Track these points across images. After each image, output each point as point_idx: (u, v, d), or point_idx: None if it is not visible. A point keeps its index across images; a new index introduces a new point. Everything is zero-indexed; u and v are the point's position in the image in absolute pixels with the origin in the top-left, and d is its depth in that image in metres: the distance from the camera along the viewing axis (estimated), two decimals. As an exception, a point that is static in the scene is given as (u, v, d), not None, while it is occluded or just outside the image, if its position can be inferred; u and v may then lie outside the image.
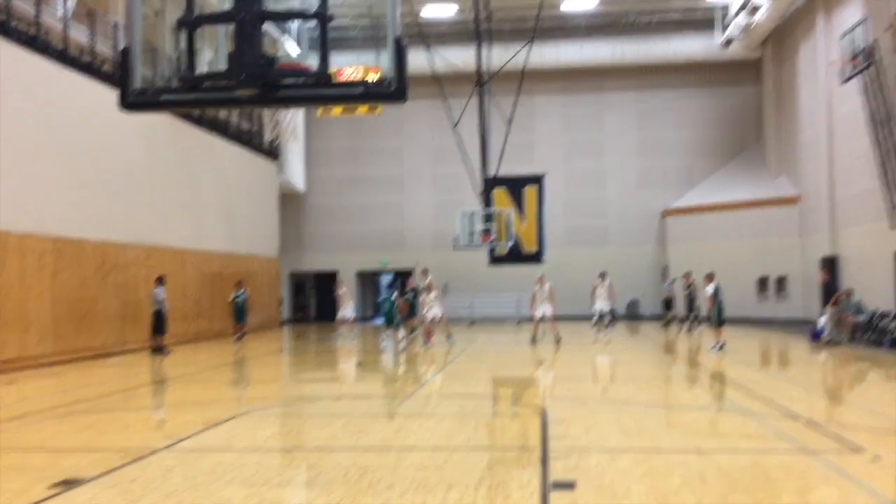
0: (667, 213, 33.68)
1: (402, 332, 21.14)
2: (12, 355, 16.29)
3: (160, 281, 19.98)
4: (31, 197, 17.24)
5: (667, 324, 27.94)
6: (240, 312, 23.30)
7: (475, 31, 24.83)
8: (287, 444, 8.86)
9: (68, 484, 6.52)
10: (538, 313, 21.17)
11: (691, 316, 24.88)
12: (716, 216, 31.49)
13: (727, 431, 9.20)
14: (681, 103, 34.86)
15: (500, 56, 26.22)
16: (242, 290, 23.49)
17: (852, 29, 21.37)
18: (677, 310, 27.60)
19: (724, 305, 18.46)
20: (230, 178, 27.93)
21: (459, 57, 28.55)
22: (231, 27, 5.35)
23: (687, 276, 25.32)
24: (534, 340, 21.06)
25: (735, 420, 9.79)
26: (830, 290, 20.53)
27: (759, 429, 8.85)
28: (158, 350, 19.67)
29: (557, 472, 6.76)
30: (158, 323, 19.73)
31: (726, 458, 7.28)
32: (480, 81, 24.93)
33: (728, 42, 31.03)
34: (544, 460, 7.24)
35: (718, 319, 18.32)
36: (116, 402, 11.94)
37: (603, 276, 24.40)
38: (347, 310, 23.70)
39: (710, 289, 18.65)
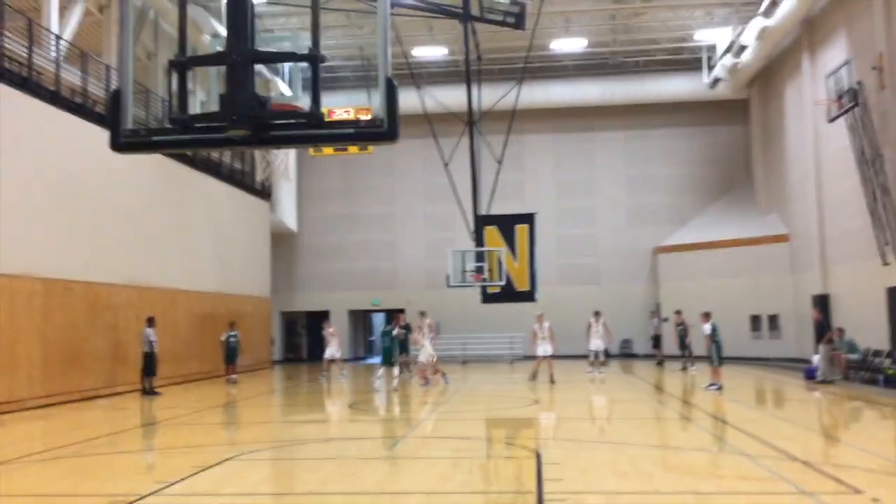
0: (658, 251, 33.76)
1: (395, 371, 20.59)
2: (0, 398, 16.07)
3: (150, 322, 19.86)
4: (22, 237, 17.13)
5: (660, 362, 27.92)
6: (232, 353, 23.18)
7: (465, 71, 25.05)
8: (278, 488, 8.71)
9: (53, 532, 6.38)
10: (540, 352, 21.23)
11: (685, 354, 24.80)
12: (707, 254, 31.55)
13: (724, 473, 9.09)
14: (670, 142, 35.15)
15: (490, 96, 26.45)
16: (235, 332, 23.36)
17: (837, 69, 21.64)
18: (665, 349, 27.71)
19: (721, 344, 18.42)
20: (222, 217, 27.90)
21: (450, 96, 28.76)
22: (223, 68, 5.36)
23: (678, 313, 25.32)
24: (534, 377, 21.24)
25: (732, 461, 9.69)
26: (824, 328, 20.49)
27: (757, 470, 8.75)
28: (149, 392, 19.49)
29: (553, 516, 6.65)
30: (149, 364, 19.58)
31: (724, 500, 7.18)
32: (471, 121, 25.12)
33: (715, 82, 31.38)
34: (540, 504, 7.13)
35: (717, 359, 18.26)
36: (105, 446, 11.75)
37: (597, 314, 24.36)
38: (334, 348, 23.62)
39: (706, 328, 18.57)
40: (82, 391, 18.75)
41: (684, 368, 24.45)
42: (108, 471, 9.76)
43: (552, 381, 20.34)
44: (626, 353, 33.19)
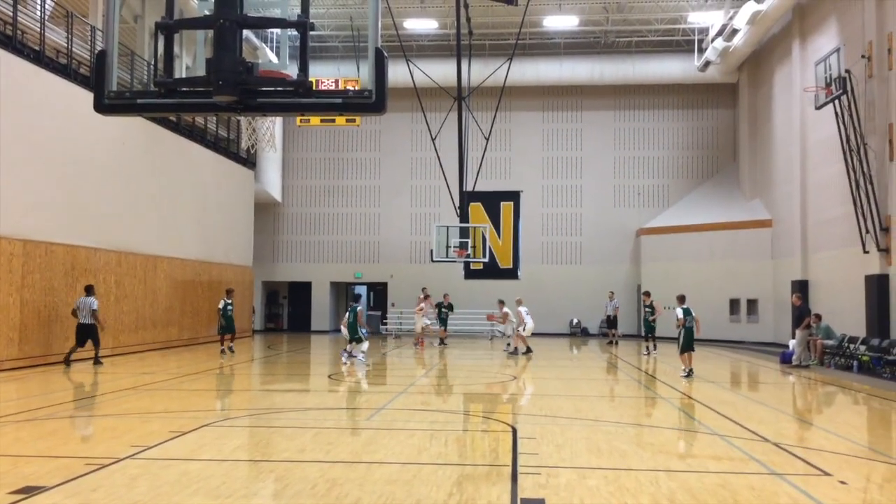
0: (641, 232, 33.91)
1: (350, 347, 19.66)
2: (-24, 359, 16.00)
3: (90, 290, 18.29)
4: (2, 198, 16.97)
5: (611, 343, 28.48)
6: (230, 322, 22.50)
7: (456, 45, 24.88)
8: (254, 455, 8.75)
9: (28, 491, 6.39)
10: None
11: (647, 335, 24.60)
12: (689, 237, 31.74)
13: (696, 452, 9.23)
14: (658, 124, 35.20)
15: (479, 71, 26.32)
16: (231, 300, 22.69)
17: (827, 57, 21.69)
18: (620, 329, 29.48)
19: (694, 330, 17.46)
20: (206, 185, 27.72)
21: (439, 71, 28.58)
22: (210, 33, 5.30)
23: (647, 295, 25.14)
24: (528, 351, 22.83)
25: (705, 441, 9.83)
26: (803, 313, 20.66)
27: (728, 450, 8.88)
28: (96, 361, 18.30)
29: (527, 489, 6.74)
30: (92, 335, 18.08)
31: (695, 478, 7.29)
32: (460, 96, 24.98)
33: (706, 65, 31.38)
34: (514, 477, 7.21)
35: (687, 344, 17.46)
36: (81, 409, 11.74)
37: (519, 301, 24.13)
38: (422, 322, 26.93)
39: (678, 311, 17.90)
40: (59, 354, 18.67)
41: (647, 352, 24.08)
42: (85, 433, 9.77)
43: (512, 351, 23.23)
44: (604, 333, 33.37)
